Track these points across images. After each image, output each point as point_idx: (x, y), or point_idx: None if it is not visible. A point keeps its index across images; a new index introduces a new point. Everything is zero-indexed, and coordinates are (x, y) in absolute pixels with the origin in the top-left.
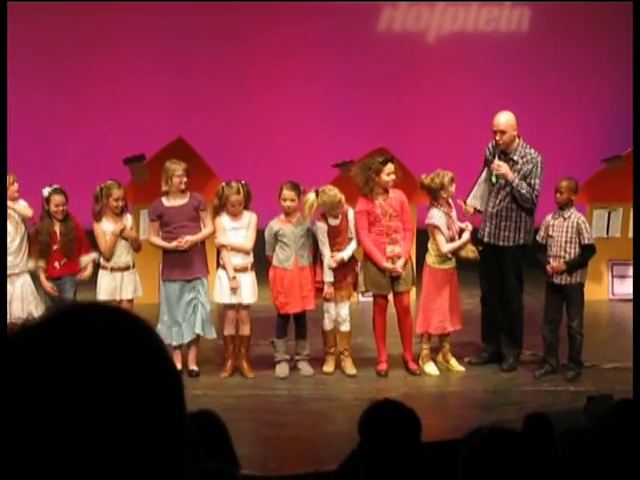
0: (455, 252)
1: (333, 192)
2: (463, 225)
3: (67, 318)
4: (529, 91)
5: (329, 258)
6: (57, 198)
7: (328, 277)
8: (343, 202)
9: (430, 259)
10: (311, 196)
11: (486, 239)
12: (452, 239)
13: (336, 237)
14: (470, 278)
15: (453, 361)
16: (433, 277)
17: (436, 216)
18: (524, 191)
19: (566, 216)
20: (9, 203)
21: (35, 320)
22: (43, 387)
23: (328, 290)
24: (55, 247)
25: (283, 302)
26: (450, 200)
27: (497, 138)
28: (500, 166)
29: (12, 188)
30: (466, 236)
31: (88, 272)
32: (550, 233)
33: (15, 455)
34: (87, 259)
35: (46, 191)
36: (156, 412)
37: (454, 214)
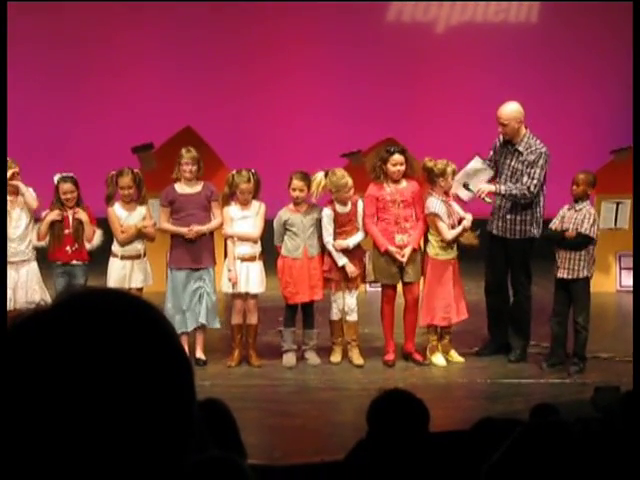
0: (457, 240)
1: (341, 174)
2: (463, 214)
3: (77, 304)
4: (538, 82)
5: (330, 243)
6: (65, 186)
7: (342, 261)
8: (350, 186)
9: (432, 250)
10: (319, 175)
11: (495, 232)
12: (453, 227)
13: (343, 225)
14: (477, 269)
15: (452, 352)
16: (435, 268)
17: (435, 204)
18: (516, 191)
19: (578, 208)
20: (21, 186)
21: (46, 305)
22: (53, 372)
23: (350, 270)
24: (67, 231)
25: (292, 292)
26: (449, 191)
27: (499, 130)
28: (482, 191)
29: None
30: (466, 223)
31: (97, 241)
32: (562, 223)
33: (24, 440)
34: (95, 242)
35: (56, 178)
36: (166, 398)
37: (454, 204)
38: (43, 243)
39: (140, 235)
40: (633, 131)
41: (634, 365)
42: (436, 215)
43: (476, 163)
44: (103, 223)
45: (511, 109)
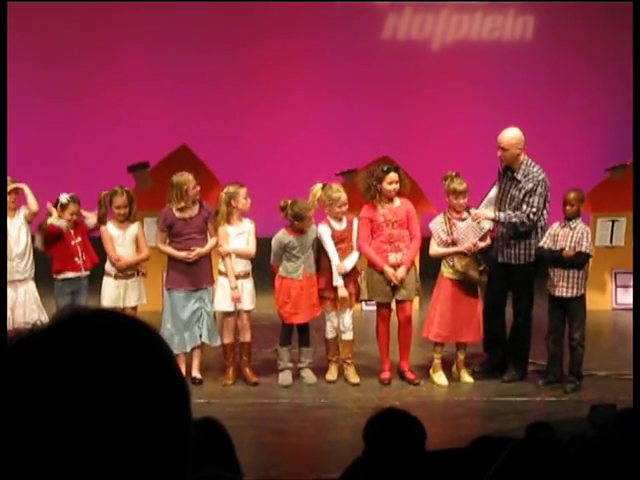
0: (464, 271)
1: (337, 188)
2: (481, 243)
3: (75, 324)
4: (533, 99)
5: (335, 263)
6: (73, 207)
7: (338, 282)
8: (343, 202)
9: (441, 266)
10: (318, 186)
11: (500, 259)
12: (447, 246)
13: (339, 243)
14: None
15: (463, 371)
16: (439, 284)
17: (435, 220)
18: (514, 220)
19: (572, 226)
20: (25, 187)
21: (43, 325)
22: (50, 391)
23: (342, 294)
24: (73, 242)
25: (290, 312)
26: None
27: (499, 154)
28: (478, 216)
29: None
30: (456, 248)
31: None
32: (555, 242)
33: (19, 460)
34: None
35: (64, 198)
36: (162, 418)
37: (463, 224)
38: (62, 222)
39: (130, 248)
40: (633, 145)
41: (634, 382)
42: (430, 230)
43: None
44: (96, 242)
45: (512, 135)
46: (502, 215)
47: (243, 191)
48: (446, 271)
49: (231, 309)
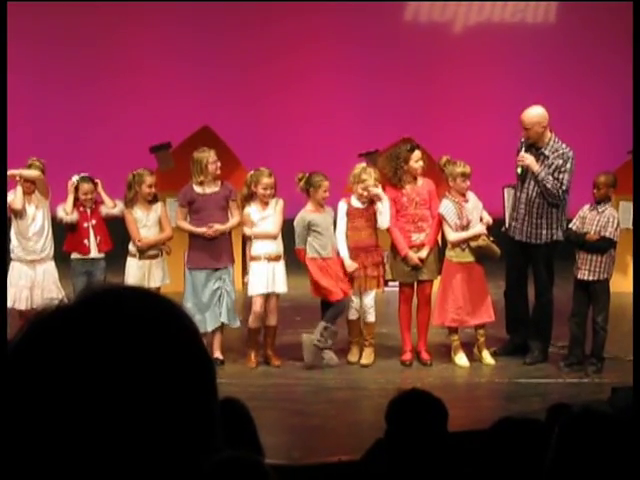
0: (469, 244)
1: (370, 172)
2: (488, 218)
3: (100, 300)
4: (555, 82)
5: (341, 236)
6: (85, 187)
7: (343, 252)
8: (366, 185)
9: (447, 251)
10: (361, 165)
11: (518, 237)
12: (463, 229)
13: (354, 220)
14: (493, 269)
15: (485, 353)
16: (448, 269)
17: (444, 205)
18: (549, 185)
19: (600, 210)
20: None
21: (69, 302)
22: (75, 368)
23: (348, 264)
24: (85, 225)
25: (329, 290)
26: (467, 193)
27: (522, 134)
28: (525, 158)
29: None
30: (477, 228)
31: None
32: (583, 224)
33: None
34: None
35: (75, 179)
36: (188, 395)
37: (470, 204)
38: (73, 216)
39: (155, 228)
40: (633, 135)
41: (634, 365)
42: (442, 216)
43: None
44: (120, 225)
45: (533, 114)
46: (543, 173)
47: (265, 170)
48: (455, 255)
49: (265, 291)
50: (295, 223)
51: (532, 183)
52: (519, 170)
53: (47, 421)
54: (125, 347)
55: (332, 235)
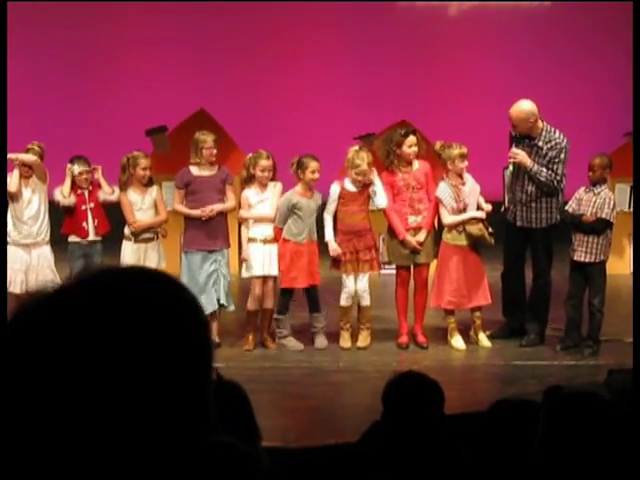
0: (464, 228)
1: (362, 157)
2: (484, 206)
3: (99, 280)
4: (550, 65)
5: (329, 217)
6: (79, 168)
7: (328, 235)
8: (362, 171)
9: (444, 234)
10: (354, 148)
11: (519, 223)
12: (460, 212)
13: (347, 204)
14: (489, 252)
15: (481, 336)
16: (445, 252)
17: (441, 188)
18: (543, 178)
19: (596, 192)
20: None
21: (68, 283)
22: (74, 349)
23: (332, 247)
24: (83, 207)
25: (291, 277)
26: (464, 174)
27: (511, 128)
28: (517, 154)
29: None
30: (472, 213)
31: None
32: (579, 206)
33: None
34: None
35: (70, 161)
36: (186, 375)
37: (467, 187)
38: (71, 199)
39: (150, 211)
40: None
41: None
42: (438, 199)
43: None
44: (117, 209)
45: (520, 110)
46: (536, 167)
47: (264, 152)
48: (452, 238)
49: (260, 273)
50: (280, 202)
51: (525, 174)
52: (511, 167)
53: (44, 400)
54: (124, 325)
55: (313, 222)
